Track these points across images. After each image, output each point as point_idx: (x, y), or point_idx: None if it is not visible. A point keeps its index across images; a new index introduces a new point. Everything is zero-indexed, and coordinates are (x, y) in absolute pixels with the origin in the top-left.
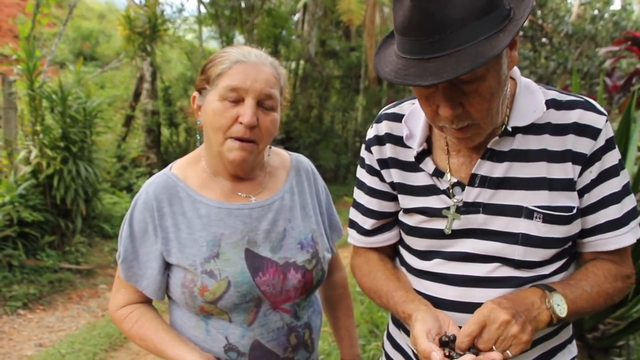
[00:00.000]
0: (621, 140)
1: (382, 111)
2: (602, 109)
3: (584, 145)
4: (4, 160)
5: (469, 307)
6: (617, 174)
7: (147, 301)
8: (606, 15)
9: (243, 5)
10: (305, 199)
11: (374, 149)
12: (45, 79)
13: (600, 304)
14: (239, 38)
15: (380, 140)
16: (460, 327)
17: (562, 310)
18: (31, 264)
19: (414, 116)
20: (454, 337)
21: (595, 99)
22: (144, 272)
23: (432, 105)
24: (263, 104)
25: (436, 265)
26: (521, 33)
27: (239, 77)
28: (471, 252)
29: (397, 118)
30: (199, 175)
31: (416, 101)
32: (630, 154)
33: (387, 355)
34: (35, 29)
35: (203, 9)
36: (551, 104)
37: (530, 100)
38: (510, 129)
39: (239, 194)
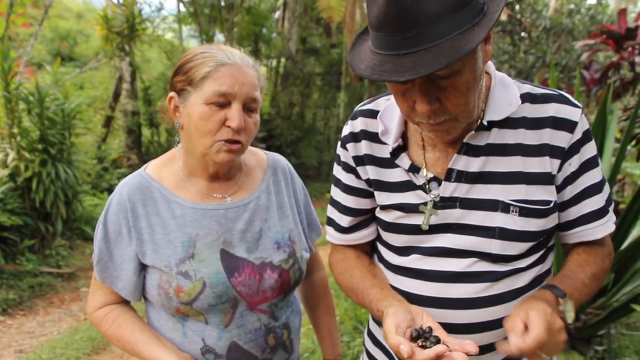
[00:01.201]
0: (598, 132)
1: (358, 108)
2: (576, 101)
3: (562, 139)
4: None
5: (447, 303)
6: (597, 165)
7: (124, 302)
8: (583, 10)
9: (223, 3)
10: (282, 199)
11: (349, 146)
12: (22, 80)
13: (594, 290)
14: (219, 36)
15: (355, 137)
16: (438, 322)
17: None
18: (10, 269)
19: (389, 112)
20: (430, 329)
21: (572, 92)
22: (119, 273)
23: (409, 100)
24: (248, 106)
25: (413, 261)
26: (500, 27)
27: (227, 82)
28: (448, 247)
29: (373, 114)
30: (174, 176)
31: (391, 97)
32: (608, 145)
33: (367, 352)
34: (9, 29)
35: (182, 8)
36: (526, 97)
37: (505, 94)
38: (486, 123)
39: (214, 194)
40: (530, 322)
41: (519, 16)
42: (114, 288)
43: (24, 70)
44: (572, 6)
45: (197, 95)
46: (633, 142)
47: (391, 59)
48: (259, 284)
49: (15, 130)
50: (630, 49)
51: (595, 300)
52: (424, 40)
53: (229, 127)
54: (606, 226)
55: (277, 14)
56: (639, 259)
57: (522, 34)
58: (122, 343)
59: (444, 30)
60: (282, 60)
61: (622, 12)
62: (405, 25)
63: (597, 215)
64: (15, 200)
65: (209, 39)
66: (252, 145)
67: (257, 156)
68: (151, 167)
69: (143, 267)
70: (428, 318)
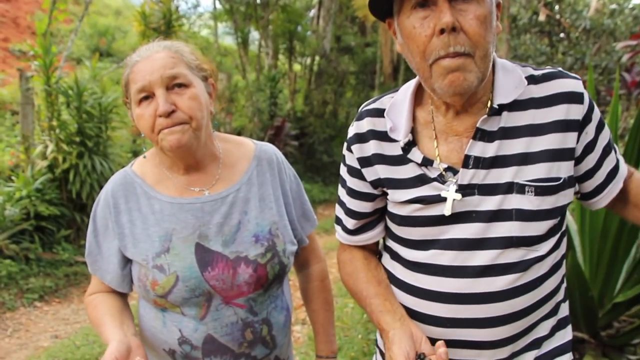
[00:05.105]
0: (637, 136)
1: (362, 108)
2: (574, 74)
3: (576, 112)
4: (21, 155)
5: (469, 299)
6: (604, 125)
7: (115, 291)
8: (626, 10)
9: (258, 1)
10: (266, 190)
11: (354, 147)
12: (62, 74)
13: None
14: (254, 34)
15: (361, 138)
16: (432, 343)
17: None
18: (47, 257)
19: (395, 109)
20: (424, 356)
21: (612, 95)
22: (107, 266)
23: (427, 30)
24: (175, 84)
25: (433, 257)
26: (538, 28)
27: (138, 77)
28: (468, 238)
29: (379, 113)
30: (156, 172)
31: (395, 94)
32: None
33: (380, 351)
34: (52, 25)
35: (218, 5)
36: (530, 80)
37: (509, 77)
38: (497, 106)
39: (193, 188)
40: None
41: (558, 16)
42: (103, 280)
43: (64, 65)
44: (614, 6)
45: (133, 102)
46: None
47: None
48: (232, 278)
49: (55, 123)
50: None
51: (630, 307)
52: None
53: (160, 116)
54: (621, 174)
55: (312, 12)
56: None
57: (561, 34)
58: (95, 325)
59: None
60: (317, 58)
61: None
62: None
63: (615, 170)
64: (53, 191)
65: (244, 36)
66: (284, 142)
67: (243, 147)
68: (137, 164)
69: (129, 261)
70: (427, 344)
